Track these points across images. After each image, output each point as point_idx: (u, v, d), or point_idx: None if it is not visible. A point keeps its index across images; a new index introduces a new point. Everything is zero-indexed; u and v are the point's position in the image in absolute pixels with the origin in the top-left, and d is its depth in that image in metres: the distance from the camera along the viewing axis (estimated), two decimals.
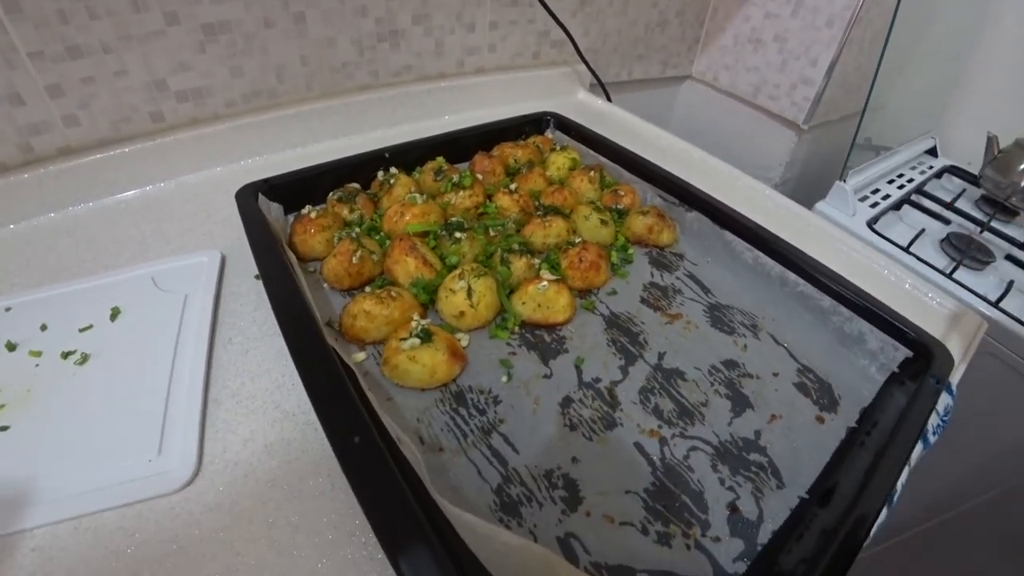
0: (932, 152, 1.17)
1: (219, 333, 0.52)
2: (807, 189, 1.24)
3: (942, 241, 0.92)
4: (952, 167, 1.14)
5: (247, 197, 0.58)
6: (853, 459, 0.45)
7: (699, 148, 0.90)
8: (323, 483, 0.41)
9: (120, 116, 0.68)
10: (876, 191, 1.00)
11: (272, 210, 0.60)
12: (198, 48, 0.69)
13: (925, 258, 0.85)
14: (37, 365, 0.49)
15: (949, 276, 0.82)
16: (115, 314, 0.53)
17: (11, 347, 0.50)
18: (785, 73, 1.07)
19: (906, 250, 0.86)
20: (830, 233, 0.73)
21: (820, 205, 0.94)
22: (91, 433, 0.43)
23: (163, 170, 0.72)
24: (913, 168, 1.11)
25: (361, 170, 0.68)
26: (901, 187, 1.03)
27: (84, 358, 0.49)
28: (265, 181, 0.61)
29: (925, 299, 0.65)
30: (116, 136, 0.69)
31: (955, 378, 0.56)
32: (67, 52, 0.62)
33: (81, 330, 0.52)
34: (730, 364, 0.52)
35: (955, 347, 0.58)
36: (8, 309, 0.54)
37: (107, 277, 0.58)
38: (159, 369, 0.48)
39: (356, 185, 0.66)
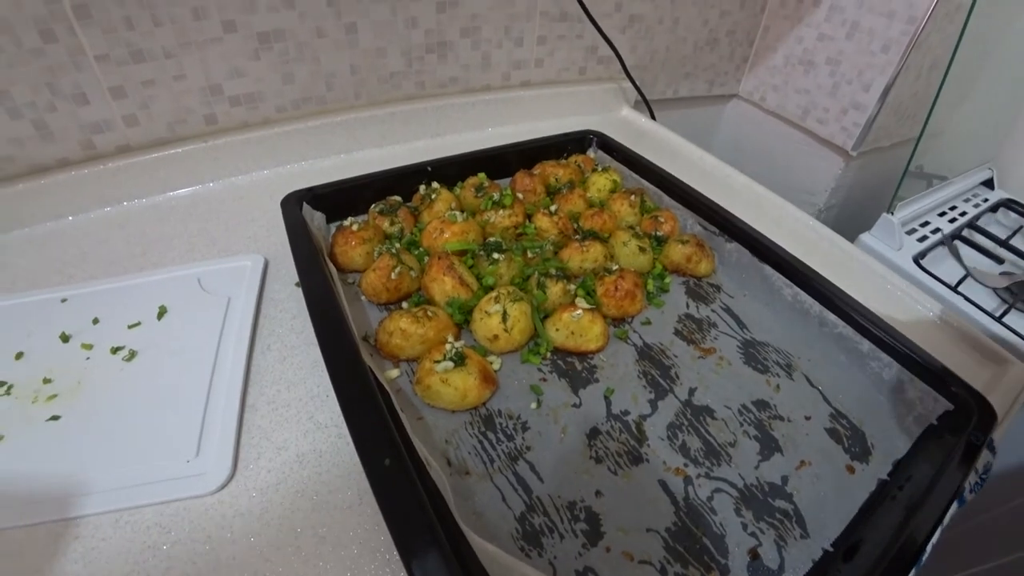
0: (988, 184, 1.13)
1: (259, 339, 0.54)
2: (852, 216, 1.20)
3: None
4: (1009, 201, 1.09)
5: (292, 206, 0.60)
6: (883, 514, 0.44)
7: (743, 172, 0.88)
8: (351, 497, 0.42)
9: (176, 118, 0.71)
10: (925, 224, 0.97)
11: (315, 219, 0.62)
12: (253, 55, 0.71)
13: (974, 299, 0.81)
14: (88, 358, 0.51)
15: (999, 320, 0.78)
16: (162, 313, 0.55)
17: (65, 338, 0.53)
18: (836, 97, 1.04)
19: (954, 289, 0.82)
20: (873, 269, 0.71)
21: (865, 237, 0.91)
22: (135, 429, 0.45)
23: (213, 171, 0.74)
24: (967, 200, 1.06)
25: (403, 182, 0.69)
26: (952, 220, 0.99)
27: (132, 354, 0.51)
28: (310, 190, 0.63)
29: (971, 345, 0.62)
30: (172, 136, 0.72)
31: (998, 433, 0.54)
32: (131, 56, 0.65)
33: (130, 326, 0.54)
34: (761, 404, 0.51)
35: (1000, 399, 0.56)
36: (64, 300, 0.57)
37: (156, 275, 0.60)
38: (201, 371, 0.50)
39: (398, 198, 0.67)
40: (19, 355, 0.51)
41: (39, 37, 0.59)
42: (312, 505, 0.41)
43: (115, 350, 0.52)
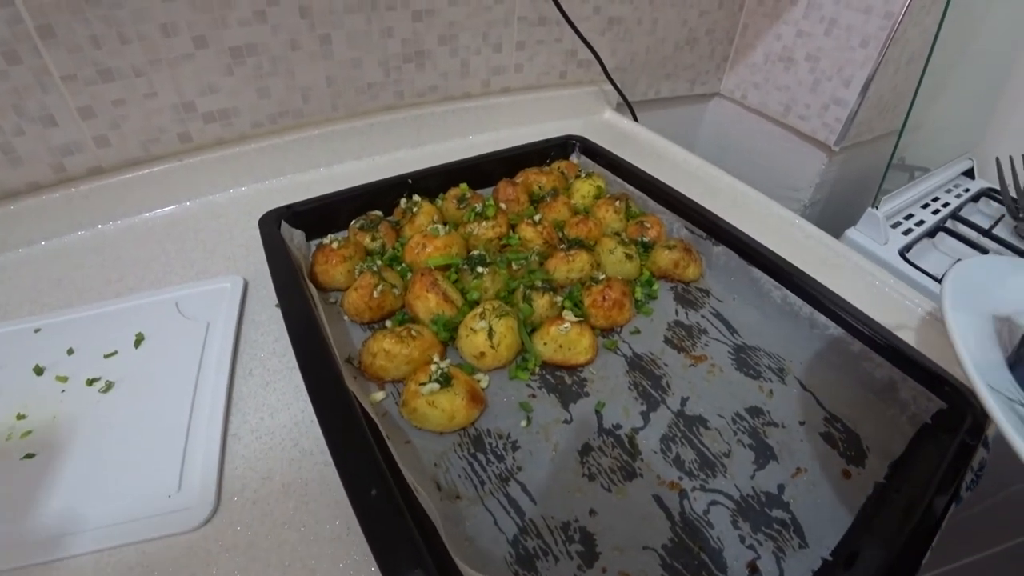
0: (969, 174, 1.13)
1: (240, 364, 0.52)
2: (837, 211, 1.21)
3: None
4: (989, 190, 1.10)
5: (270, 224, 0.58)
6: (881, 519, 0.43)
7: (727, 170, 0.88)
8: (339, 527, 0.41)
9: (149, 137, 0.69)
10: (910, 216, 0.97)
11: (295, 237, 0.60)
12: (226, 70, 0.69)
13: None
14: (63, 391, 0.49)
15: None
16: (139, 340, 0.54)
17: (39, 371, 0.51)
18: (817, 93, 1.04)
19: (940, 282, 0.83)
20: (861, 266, 0.71)
21: (851, 232, 0.91)
22: (114, 465, 0.44)
23: (189, 190, 0.73)
24: (948, 191, 1.07)
25: (384, 196, 0.68)
26: (936, 212, 1.00)
27: (108, 386, 0.50)
28: (288, 207, 0.61)
29: None
30: (145, 156, 0.70)
31: (992, 429, 0.54)
32: (99, 75, 0.63)
33: (106, 356, 0.52)
34: (755, 411, 0.51)
35: None
36: (37, 330, 0.55)
37: (132, 300, 0.59)
38: (180, 401, 0.48)
39: (378, 213, 0.66)
40: None
41: (2, 59, 0.58)
42: (300, 537, 0.40)
43: (91, 382, 0.50)
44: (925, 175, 1.04)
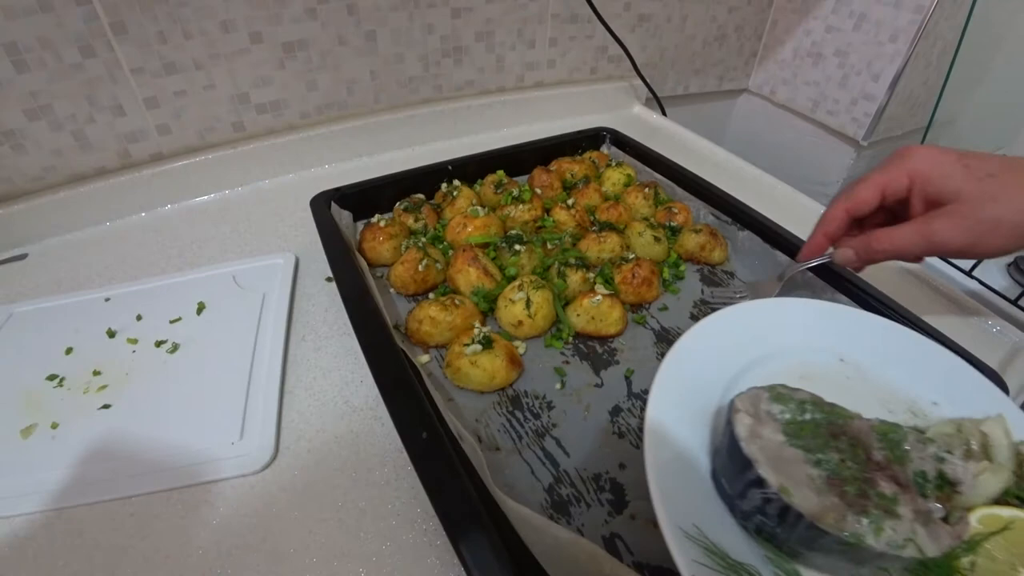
0: None
1: (294, 330, 0.57)
2: None
3: (1009, 265, 0.88)
4: None
5: (321, 205, 0.62)
6: None
7: (754, 165, 0.90)
8: (388, 473, 0.44)
9: (206, 126, 0.74)
10: None
11: (343, 217, 0.64)
12: (278, 64, 0.74)
13: (988, 283, 0.82)
14: (134, 351, 0.54)
15: (1014, 303, 0.79)
16: (201, 308, 0.58)
17: (111, 334, 0.56)
18: (845, 88, 1.05)
19: (968, 274, 0.83)
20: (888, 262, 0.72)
21: None
22: (181, 415, 0.48)
23: (241, 176, 0.78)
24: None
25: (425, 181, 0.72)
26: None
27: (175, 347, 0.54)
28: (337, 190, 0.65)
29: (984, 328, 0.63)
30: (202, 144, 0.75)
31: None
32: (164, 68, 0.68)
33: (171, 321, 0.57)
34: None
35: (1015, 381, 0.56)
36: (107, 299, 0.60)
37: (192, 274, 0.63)
38: (241, 361, 0.52)
39: (421, 196, 0.70)
40: (69, 350, 0.54)
41: (79, 53, 0.63)
42: (351, 482, 0.44)
43: (159, 343, 0.55)
44: None
